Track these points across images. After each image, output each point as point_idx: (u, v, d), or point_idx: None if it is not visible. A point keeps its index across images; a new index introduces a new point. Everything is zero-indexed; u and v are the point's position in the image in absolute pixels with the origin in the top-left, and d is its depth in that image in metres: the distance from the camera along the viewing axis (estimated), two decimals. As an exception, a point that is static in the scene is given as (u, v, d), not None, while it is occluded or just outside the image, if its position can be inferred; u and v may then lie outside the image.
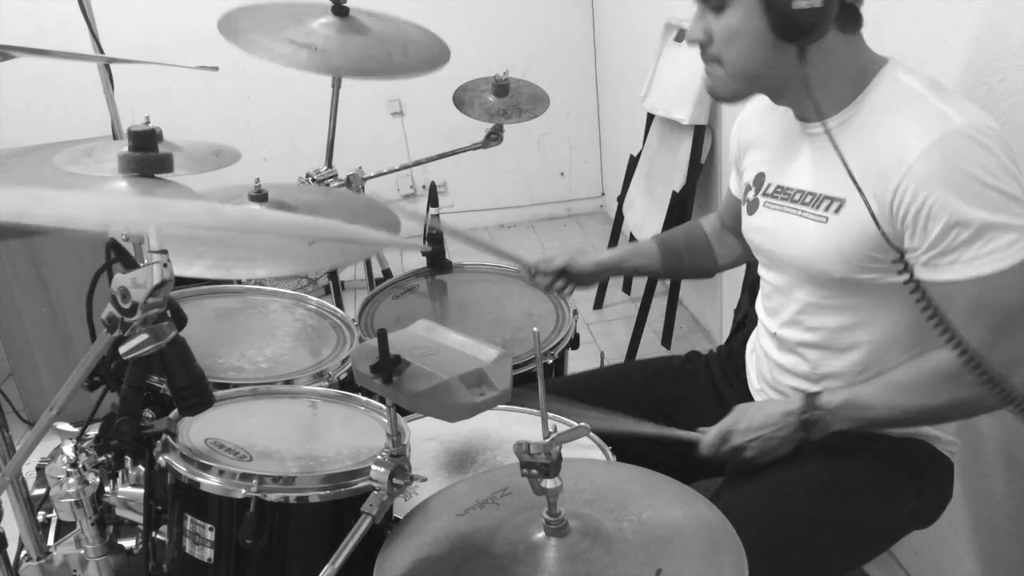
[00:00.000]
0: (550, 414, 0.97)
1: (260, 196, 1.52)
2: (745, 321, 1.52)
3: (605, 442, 1.34)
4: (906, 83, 1.16)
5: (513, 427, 1.39)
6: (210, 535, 1.12)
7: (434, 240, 1.87)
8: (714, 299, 2.85)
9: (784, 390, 1.36)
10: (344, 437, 1.23)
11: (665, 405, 1.49)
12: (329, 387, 1.45)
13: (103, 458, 1.30)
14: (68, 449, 1.31)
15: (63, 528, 1.39)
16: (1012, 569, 1.53)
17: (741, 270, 1.76)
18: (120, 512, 1.34)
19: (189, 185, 1.22)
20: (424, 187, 3.83)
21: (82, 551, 1.32)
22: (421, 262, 1.91)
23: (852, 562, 1.36)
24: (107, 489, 1.32)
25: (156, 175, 1.18)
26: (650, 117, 2.94)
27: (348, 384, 1.50)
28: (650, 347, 2.90)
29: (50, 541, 1.40)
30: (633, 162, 3.09)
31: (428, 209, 1.82)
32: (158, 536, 1.25)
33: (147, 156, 1.18)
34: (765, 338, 1.39)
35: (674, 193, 2.67)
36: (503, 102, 2.02)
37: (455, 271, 1.91)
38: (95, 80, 2.21)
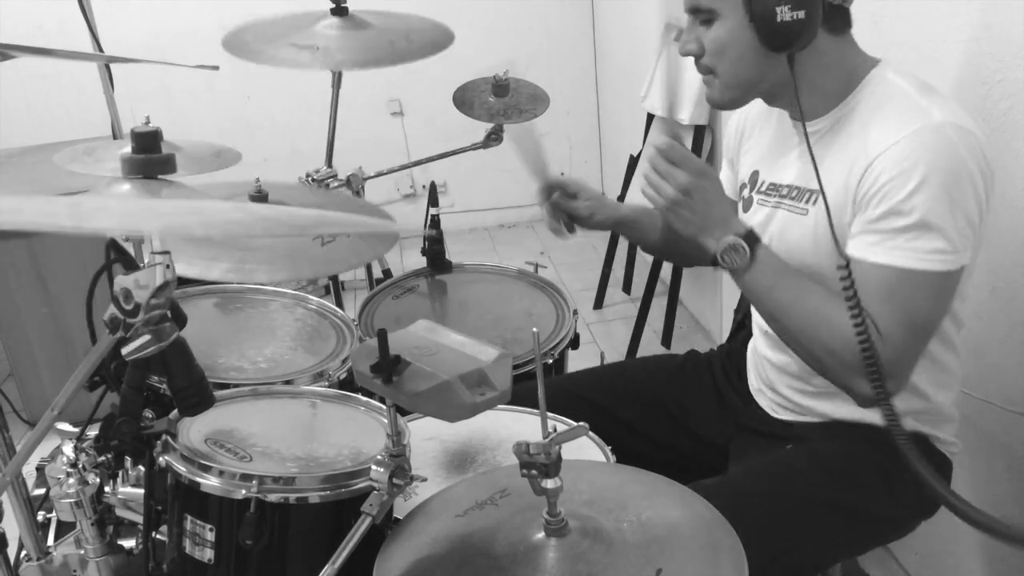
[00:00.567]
0: (550, 414, 0.97)
1: (260, 196, 1.52)
2: (745, 321, 1.52)
3: (605, 442, 1.34)
4: (894, 83, 1.18)
5: (513, 427, 1.39)
6: (210, 535, 1.12)
7: (434, 240, 1.87)
8: (714, 299, 2.85)
9: (781, 391, 1.36)
10: (344, 437, 1.23)
11: (665, 402, 1.50)
12: (329, 387, 1.45)
13: (103, 458, 1.30)
14: (68, 449, 1.30)
15: (63, 528, 1.38)
16: (1012, 569, 1.53)
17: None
18: (120, 512, 1.34)
19: (189, 186, 1.22)
20: (424, 187, 3.83)
21: (82, 551, 1.32)
22: (421, 262, 1.91)
23: (852, 548, 1.37)
24: (107, 489, 1.32)
25: (159, 176, 1.19)
26: (650, 117, 2.94)
27: (348, 384, 1.50)
28: (650, 347, 2.90)
29: (50, 541, 1.39)
30: (633, 162, 3.08)
31: (428, 209, 1.82)
32: (158, 536, 1.24)
33: (151, 157, 1.18)
34: (759, 337, 1.40)
35: (674, 193, 2.67)
36: (503, 102, 2.02)
37: (455, 271, 1.90)
38: (95, 80, 2.21)
